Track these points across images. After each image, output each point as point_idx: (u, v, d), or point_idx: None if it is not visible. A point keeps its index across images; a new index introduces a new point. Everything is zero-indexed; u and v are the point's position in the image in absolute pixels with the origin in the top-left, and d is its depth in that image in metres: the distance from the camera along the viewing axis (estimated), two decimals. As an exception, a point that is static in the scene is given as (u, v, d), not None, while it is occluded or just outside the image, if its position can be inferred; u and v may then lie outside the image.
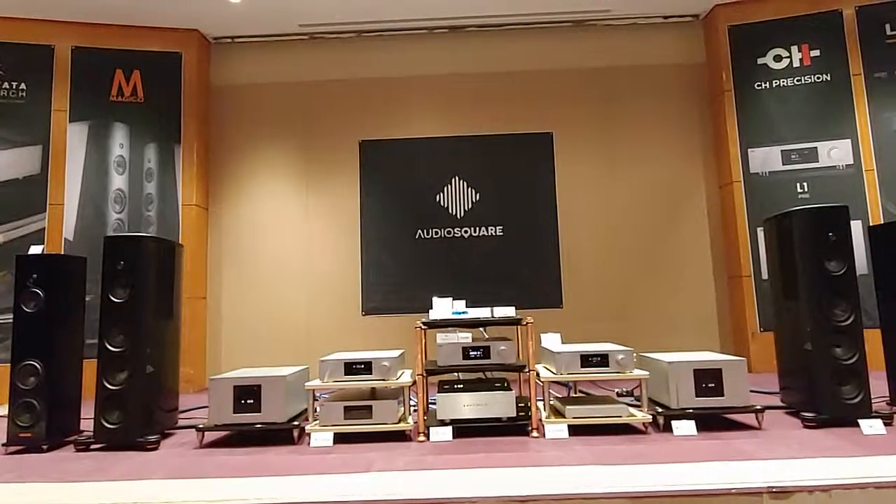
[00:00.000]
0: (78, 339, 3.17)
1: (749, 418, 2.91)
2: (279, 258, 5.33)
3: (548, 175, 5.33)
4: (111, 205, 4.98)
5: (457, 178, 5.35)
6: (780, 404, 3.19)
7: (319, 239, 5.35)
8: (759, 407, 2.80)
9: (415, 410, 3.09)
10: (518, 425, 2.84)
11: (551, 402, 3.10)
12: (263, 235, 5.37)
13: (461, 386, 2.94)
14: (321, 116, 5.47)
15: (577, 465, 2.25)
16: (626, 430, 2.83)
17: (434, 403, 2.94)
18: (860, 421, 2.68)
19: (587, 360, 2.88)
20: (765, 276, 4.80)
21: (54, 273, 3.02)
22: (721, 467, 2.15)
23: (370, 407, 2.83)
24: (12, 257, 3.15)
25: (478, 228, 5.29)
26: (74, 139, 4.96)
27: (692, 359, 2.88)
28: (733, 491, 1.91)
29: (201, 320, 5.18)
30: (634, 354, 2.92)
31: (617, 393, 3.65)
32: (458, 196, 5.33)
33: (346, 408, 2.83)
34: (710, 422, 2.87)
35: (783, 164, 4.98)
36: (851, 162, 4.85)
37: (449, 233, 5.29)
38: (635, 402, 3.19)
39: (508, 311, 2.98)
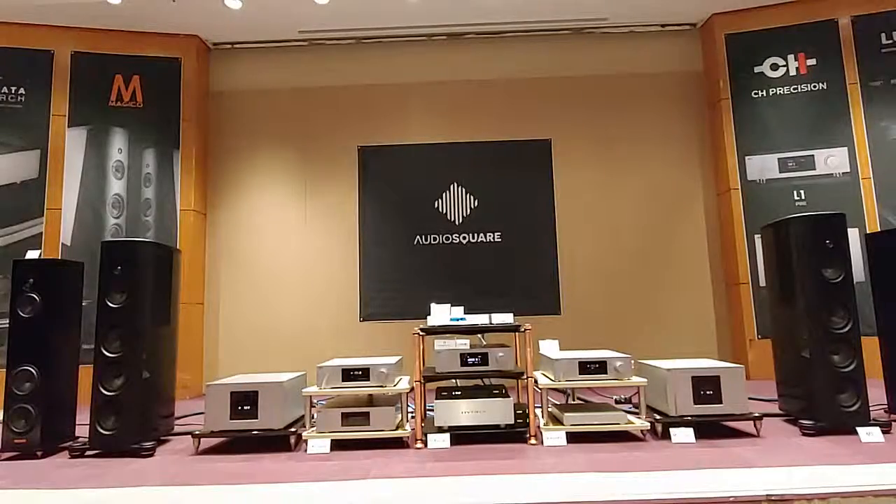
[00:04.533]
0: (74, 345, 3.15)
1: (747, 425, 2.91)
2: (277, 264, 5.33)
3: (546, 182, 5.35)
4: (109, 210, 4.98)
5: (455, 185, 5.36)
6: (779, 412, 3.19)
7: (317, 244, 5.35)
8: (757, 414, 2.79)
9: (412, 417, 3.07)
10: (516, 432, 2.83)
11: (549, 410, 3.09)
12: (261, 241, 5.37)
13: (459, 393, 2.93)
14: (320, 122, 5.49)
15: (575, 473, 2.24)
16: (624, 437, 2.82)
17: (432, 410, 2.93)
18: (858, 429, 2.67)
19: (585, 367, 2.88)
20: (763, 283, 4.81)
21: (51, 278, 3.01)
22: (719, 475, 2.14)
23: (368, 413, 2.82)
24: (9, 262, 3.13)
25: (476, 235, 5.29)
26: (73, 144, 4.96)
27: (690, 366, 2.88)
28: (731, 499, 1.90)
29: (198, 326, 5.17)
30: (632, 361, 2.92)
31: (615, 400, 3.65)
32: (456, 202, 5.34)
33: (343, 414, 2.82)
34: (709, 429, 2.86)
35: (780, 172, 5.01)
36: (848, 170, 4.87)
37: (447, 239, 5.29)
38: (633, 410, 3.18)
39: (507, 318, 2.98)
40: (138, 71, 5.16)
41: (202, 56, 5.42)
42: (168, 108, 5.19)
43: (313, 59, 5.55)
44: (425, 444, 2.78)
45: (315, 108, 5.50)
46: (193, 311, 5.06)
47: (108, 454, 2.80)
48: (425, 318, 3.06)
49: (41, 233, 4.81)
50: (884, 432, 2.68)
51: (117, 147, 5.06)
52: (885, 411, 3.13)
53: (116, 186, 5.02)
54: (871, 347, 3.06)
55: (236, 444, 2.97)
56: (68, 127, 4.97)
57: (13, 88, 4.91)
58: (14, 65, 4.93)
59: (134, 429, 2.81)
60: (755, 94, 5.14)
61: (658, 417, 2.83)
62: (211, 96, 5.53)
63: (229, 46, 5.56)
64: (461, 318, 2.99)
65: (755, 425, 2.81)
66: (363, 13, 5.05)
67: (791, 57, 5.10)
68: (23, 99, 4.92)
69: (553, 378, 2.95)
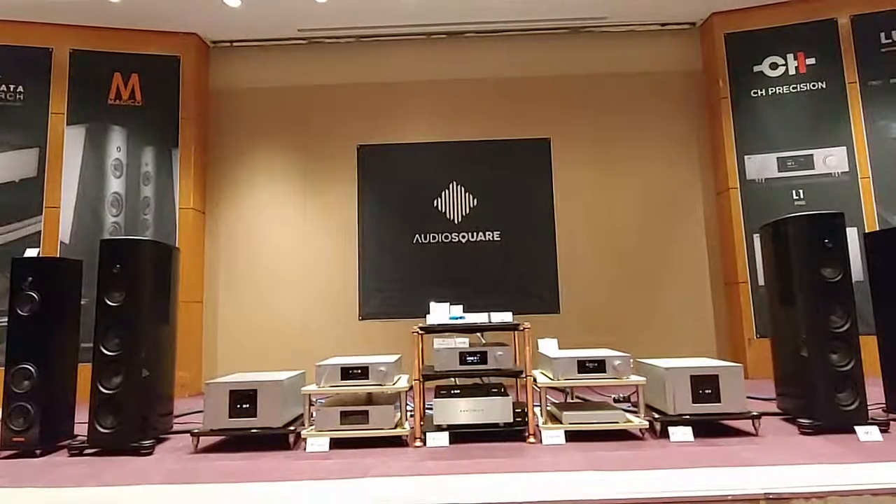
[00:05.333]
0: (73, 343, 3.15)
1: (746, 424, 2.91)
2: (276, 262, 5.32)
3: (545, 181, 5.35)
4: (108, 208, 4.97)
5: (454, 184, 5.36)
6: (777, 411, 3.19)
7: (317, 243, 5.35)
8: (755, 413, 2.80)
9: (411, 416, 3.07)
10: (515, 431, 2.83)
11: (548, 408, 3.09)
12: (260, 239, 5.36)
13: (458, 391, 2.94)
14: (319, 121, 5.48)
15: (574, 472, 2.24)
16: (622, 436, 2.82)
17: (431, 409, 2.94)
18: (856, 427, 2.68)
19: (584, 365, 2.88)
20: (761, 282, 4.81)
21: (50, 276, 3.00)
22: (718, 473, 2.14)
23: (367, 412, 2.82)
24: (8, 260, 3.13)
25: (475, 234, 5.29)
26: (72, 142, 4.95)
27: (689, 365, 2.89)
28: (730, 497, 1.91)
29: (197, 324, 5.16)
30: (631, 360, 2.92)
31: (614, 399, 3.65)
32: (455, 201, 5.34)
33: (342, 413, 2.82)
34: (707, 428, 2.86)
35: (779, 171, 5.01)
36: (847, 169, 4.88)
37: (446, 238, 5.29)
38: (632, 408, 3.18)
39: (506, 317, 2.98)
40: (137, 69, 5.15)
41: (201, 54, 5.42)
42: (167, 107, 5.18)
43: (312, 57, 5.54)
44: (424, 442, 2.78)
45: (314, 107, 5.50)
46: (192, 310, 5.05)
47: (107, 452, 2.80)
48: (424, 317, 3.06)
49: (40, 231, 4.80)
50: (882, 431, 2.68)
51: (116, 145, 5.05)
52: (884, 410, 3.13)
53: (115, 185, 5.01)
54: (869, 346, 3.06)
55: (235, 442, 2.97)
56: (67, 125, 4.96)
57: (12, 86, 4.90)
58: (12, 63, 4.92)
59: (133, 427, 2.81)
60: (754, 93, 5.15)
61: (657, 416, 2.84)
62: (210, 94, 5.53)
63: (228, 45, 5.56)
64: (460, 317, 2.99)
65: (753, 424, 2.81)
66: (362, 11, 5.04)
67: (790, 56, 5.10)
68: (21, 97, 4.91)
69: (552, 377, 2.95)
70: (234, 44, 5.55)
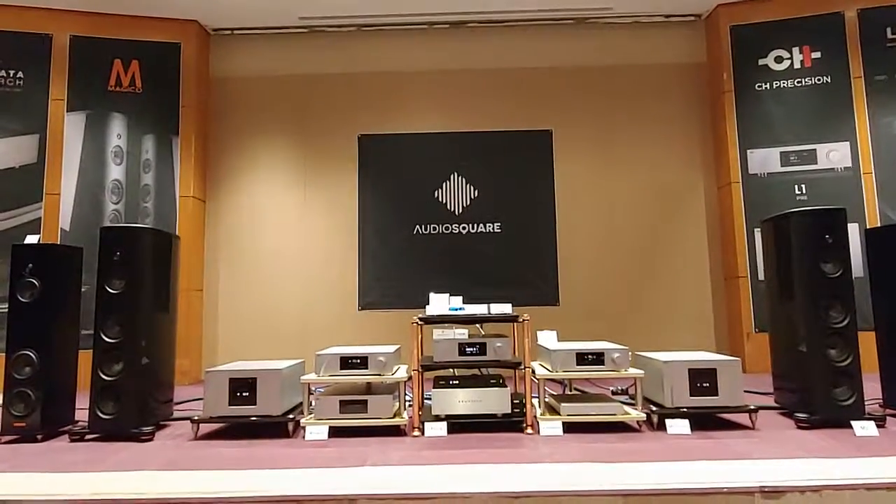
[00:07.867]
0: (73, 330, 3.16)
1: (743, 418, 2.93)
2: (276, 251, 5.33)
3: (546, 173, 5.33)
4: (108, 195, 4.97)
5: (455, 175, 5.35)
6: (774, 405, 3.20)
7: (317, 233, 5.35)
8: (752, 407, 2.81)
9: (410, 405, 3.09)
10: (513, 422, 2.85)
11: (546, 400, 3.11)
12: (261, 228, 5.36)
13: (457, 382, 2.94)
14: (320, 110, 5.46)
15: (571, 463, 2.25)
16: (620, 428, 2.84)
17: (429, 399, 2.95)
18: (853, 422, 2.69)
19: (583, 358, 2.89)
20: (761, 276, 4.81)
21: (50, 263, 3.01)
22: (714, 466, 2.16)
23: (365, 401, 2.83)
24: (8, 247, 3.13)
25: (476, 225, 5.29)
26: (72, 129, 4.94)
27: (687, 358, 2.89)
28: (725, 490, 1.92)
29: (197, 312, 5.18)
30: (630, 353, 2.93)
31: (612, 391, 3.67)
32: (456, 192, 5.33)
33: (341, 402, 2.84)
34: (704, 421, 2.88)
35: (782, 166, 4.99)
36: (850, 165, 4.86)
37: (447, 229, 5.29)
38: (630, 401, 3.20)
39: (505, 308, 2.98)
40: (138, 56, 5.13)
41: (202, 41, 5.38)
42: (167, 94, 5.16)
43: (314, 46, 5.51)
44: (422, 432, 2.79)
45: (315, 96, 5.47)
46: (193, 298, 5.07)
47: (108, 438, 2.82)
48: (424, 308, 3.06)
49: (40, 218, 4.80)
50: (878, 426, 2.69)
51: (116, 132, 5.04)
52: (880, 405, 3.14)
53: (115, 172, 5.00)
54: (867, 342, 3.06)
55: (235, 429, 2.99)
56: (67, 112, 4.94)
57: (12, 72, 4.88)
58: (12, 48, 4.89)
59: (133, 414, 2.82)
60: (759, 86, 5.11)
61: (654, 409, 2.85)
62: (211, 82, 5.50)
63: (229, 32, 5.52)
64: (460, 308, 2.99)
65: (750, 418, 2.83)
66: (364, 0, 5.00)
67: (796, 49, 5.07)
68: (21, 83, 4.89)
69: (550, 368, 2.96)
70: (235, 31, 5.52)
